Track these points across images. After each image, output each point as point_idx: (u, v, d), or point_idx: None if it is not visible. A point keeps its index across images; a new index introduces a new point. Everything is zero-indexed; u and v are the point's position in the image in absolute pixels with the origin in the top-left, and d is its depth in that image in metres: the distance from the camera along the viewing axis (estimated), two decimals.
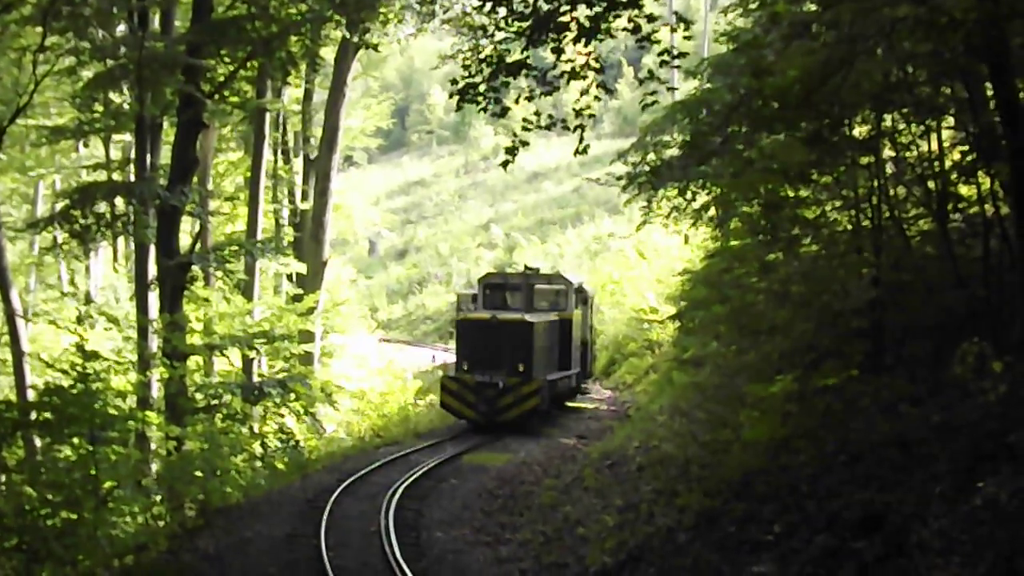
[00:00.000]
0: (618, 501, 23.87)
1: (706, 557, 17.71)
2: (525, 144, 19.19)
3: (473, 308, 44.45)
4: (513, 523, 25.29)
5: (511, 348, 38.64)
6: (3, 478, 28.32)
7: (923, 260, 20.00)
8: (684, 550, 18.61)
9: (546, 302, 43.58)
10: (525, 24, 18.12)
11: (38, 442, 31.21)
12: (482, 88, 18.74)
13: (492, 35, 19.29)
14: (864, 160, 19.73)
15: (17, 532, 25.27)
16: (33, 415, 27.49)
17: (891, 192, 20.19)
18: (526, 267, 45.73)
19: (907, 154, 20.40)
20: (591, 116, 19.85)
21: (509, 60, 18.48)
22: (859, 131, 20.61)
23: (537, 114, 18.85)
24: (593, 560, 20.64)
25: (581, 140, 19.27)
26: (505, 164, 19.49)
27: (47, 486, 26.34)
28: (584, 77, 18.88)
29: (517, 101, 18.68)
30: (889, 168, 20.49)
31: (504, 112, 19.10)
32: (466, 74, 18.92)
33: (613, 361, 53.44)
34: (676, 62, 18.79)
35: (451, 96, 19.20)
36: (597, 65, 18.89)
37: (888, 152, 20.47)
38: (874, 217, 19.76)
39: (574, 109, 19.30)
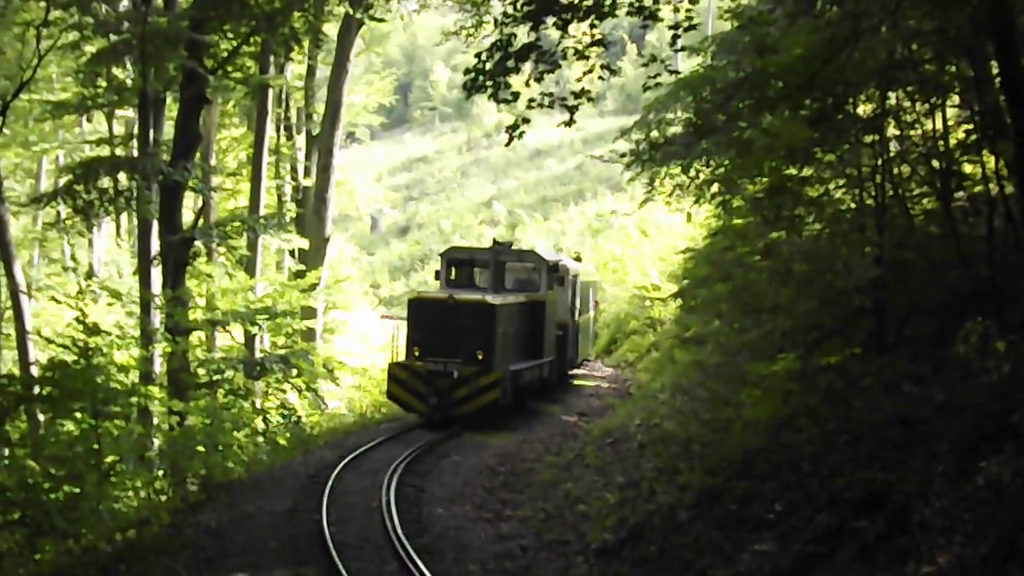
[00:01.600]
0: (619, 479, 23.88)
1: (707, 535, 17.75)
2: (527, 122, 19.19)
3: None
4: (514, 500, 25.31)
5: (470, 333, 34.59)
6: (6, 452, 28.39)
7: (927, 239, 19.97)
8: (685, 528, 18.64)
9: (517, 281, 39.76)
10: (531, 6, 18.12)
11: (41, 417, 31.32)
12: (491, 75, 18.74)
13: (498, 19, 19.28)
14: (868, 139, 19.70)
15: (20, 506, 25.34)
16: (36, 389, 27.54)
17: (895, 171, 20.16)
18: (495, 241, 41.18)
19: (911, 133, 20.36)
20: (590, 99, 19.87)
21: (517, 45, 18.47)
22: (863, 109, 20.57)
23: (547, 95, 18.87)
24: (594, 537, 20.68)
25: (571, 116, 19.31)
26: (509, 141, 19.52)
27: (50, 460, 26.42)
28: (588, 57, 18.88)
29: (528, 83, 18.68)
30: (893, 147, 20.46)
31: (515, 98, 19.10)
32: (475, 61, 18.92)
33: (615, 339, 53.44)
34: (680, 43, 18.80)
35: (464, 87, 19.23)
36: (601, 39, 18.90)
37: (892, 131, 20.43)
38: (878, 196, 19.74)
39: (572, 92, 19.32)
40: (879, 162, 19.75)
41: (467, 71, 19.00)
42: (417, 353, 34.98)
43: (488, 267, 39.03)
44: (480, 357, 34.40)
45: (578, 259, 48.68)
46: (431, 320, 34.99)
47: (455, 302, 34.76)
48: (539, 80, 18.70)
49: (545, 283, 39.21)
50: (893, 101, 20.19)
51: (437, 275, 40.41)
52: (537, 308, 38.67)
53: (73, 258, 63.54)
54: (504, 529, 22.98)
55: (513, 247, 41.34)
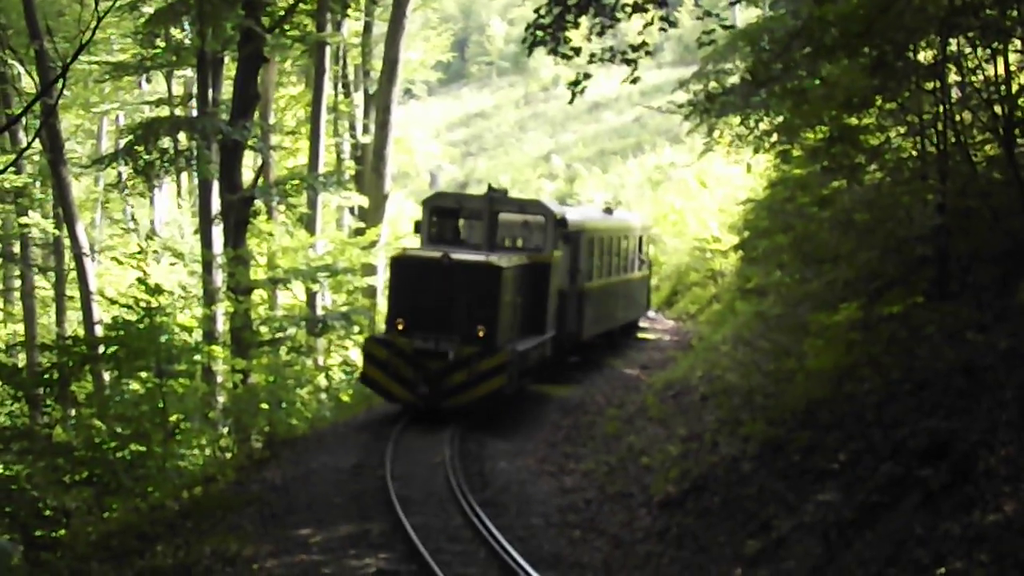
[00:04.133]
0: (682, 431, 23.89)
1: (770, 486, 17.73)
2: (588, 77, 19.18)
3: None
4: (577, 453, 25.36)
5: (469, 303, 28.17)
6: (73, 412, 28.72)
7: (989, 186, 19.77)
8: (748, 479, 18.64)
9: (515, 238, 32.57)
10: None
11: (106, 377, 31.64)
12: (550, 29, 18.74)
13: None
14: (929, 85, 19.51)
15: (88, 465, 25.69)
16: (101, 349, 27.83)
17: (956, 117, 19.95)
18: (491, 188, 32.63)
19: (973, 79, 20.13)
20: (649, 53, 19.83)
21: None
22: (923, 56, 20.38)
23: (607, 49, 18.84)
24: (657, 489, 20.70)
25: (633, 71, 19.27)
26: (572, 98, 19.54)
27: (116, 419, 26.76)
28: (646, 9, 18.83)
29: (589, 39, 18.66)
30: (955, 93, 20.26)
31: (576, 52, 19.09)
32: (534, 16, 18.92)
33: (676, 291, 53.36)
34: None
35: (523, 42, 19.24)
36: None
37: (954, 77, 20.23)
38: (939, 143, 19.57)
39: (631, 46, 19.27)
40: (940, 109, 19.57)
41: (527, 27, 19.00)
42: (401, 327, 28.41)
43: (480, 218, 31.85)
44: (481, 334, 28.04)
45: (608, 211, 42.14)
46: (419, 285, 28.54)
47: (451, 263, 28.14)
48: (600, 34, 18.67)
49: (551, 240, 31.62)
50: (954, 47, 19.97)
51: (417, 227, 32.86)
52: (541, 272, 31.24)
53: (133, 218, 63.96)
54: (567, 482, 23.04)
55: (510, 195, 34.00)
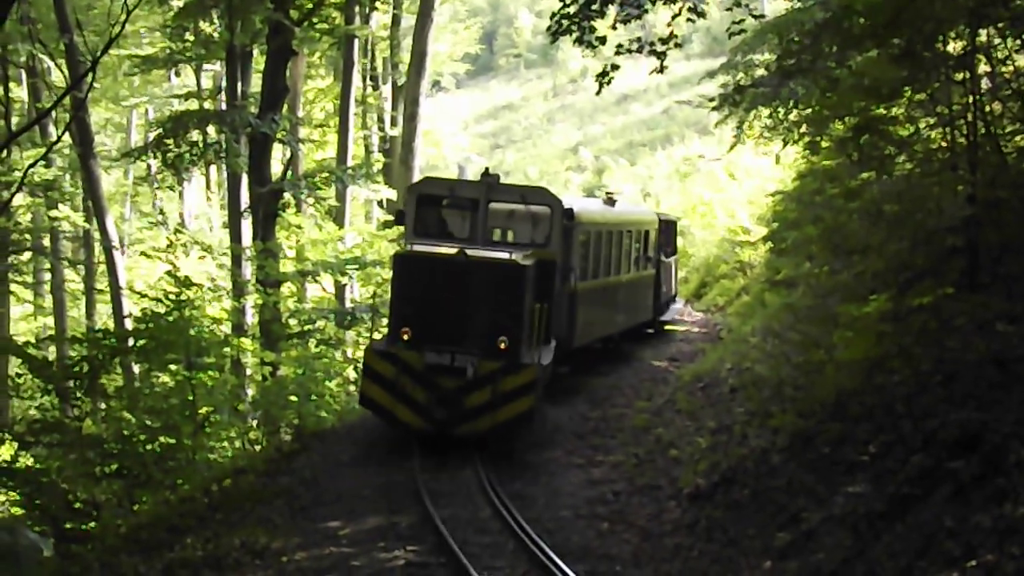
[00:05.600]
0: (711, 423, 23.85)
1: (800, 478, 17.69)
2: (616, 68, 19.15)
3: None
4: (606, 445, 25.32)
5: (489, 309, 24.37)
6: (103, 405, 28.85)
7: (1020, 176, 19.68)
8: (778, 471, 18.60)
9: (514, 232, 28.42)
10: None
11: (136, 369, 31.79)
12: (576, 18, 18.74)
13: None
14: (958, 76, 19.42)
15: (118, 458, 25.81)
16: (131, 342, 27.94)
17: (987, 108, 19.86)
18: (487, 172, 28.19)
19: (1003, 69, 20.06)
20: (677, 45, 19.80)
21: None
22: (953, 47, 20.29)
23: (634, 40, 18.81)
24: (686, 482, 20.68)
25: (661, 64, 19.24)
26: (599, 90, 19.51)
27: (146, 412, 26.87)
28: (674, 0, 18.81)
29: (614, 27, 18.64)
30: (985, 84, 20.17)
31: (602, 42, 19.06)
32: (560, 6, 18.91)
33: (704, 283, 53.23)
34: None
35: (548, 31, 19.23)
36: None
37: (983, 68, 20.14)
38: (969, 134, 19.47)
39: (660, 39, 19.24)
40: (970, 100, 19.47)
41: (553, 15, 19.00)
42: (407, 337, 24.29)
43: (474, 209, 27.22)
44: (503, 346, 24.15)
45: (611, 201, 35.56)
46: (430, 288, 24.56)
47: (467, 262, 24.30)
48: (625, 23, 18.64)
49: (558, 234, 27.20)
50: (984, 37, 19.88)
51: (398, 218, 28.34)
52: (548, 271, 26.68)
53: (161, 212, 64.21)
54: (596, 474, 23.03)
55: (506, 183, 29.29)
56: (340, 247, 42.06)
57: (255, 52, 37.89)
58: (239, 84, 35.97)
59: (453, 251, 24.52)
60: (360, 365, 27.50)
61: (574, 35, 19.51)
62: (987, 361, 15.80)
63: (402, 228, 28.49)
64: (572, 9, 18.82)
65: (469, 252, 24.46)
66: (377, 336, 27.99)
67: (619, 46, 19.16)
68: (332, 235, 42.40)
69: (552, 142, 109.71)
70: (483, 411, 23.90)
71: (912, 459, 15.18)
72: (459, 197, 27.79)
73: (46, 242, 52.74)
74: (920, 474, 14.79)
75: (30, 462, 27.05)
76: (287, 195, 36.40)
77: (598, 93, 20.78)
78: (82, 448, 25.76)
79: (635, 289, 36.72)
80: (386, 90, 55.82)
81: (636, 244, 36.07)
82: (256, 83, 38.17)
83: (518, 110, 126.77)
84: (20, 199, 47.81)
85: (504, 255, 24.91)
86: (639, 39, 19.60)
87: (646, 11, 18.97)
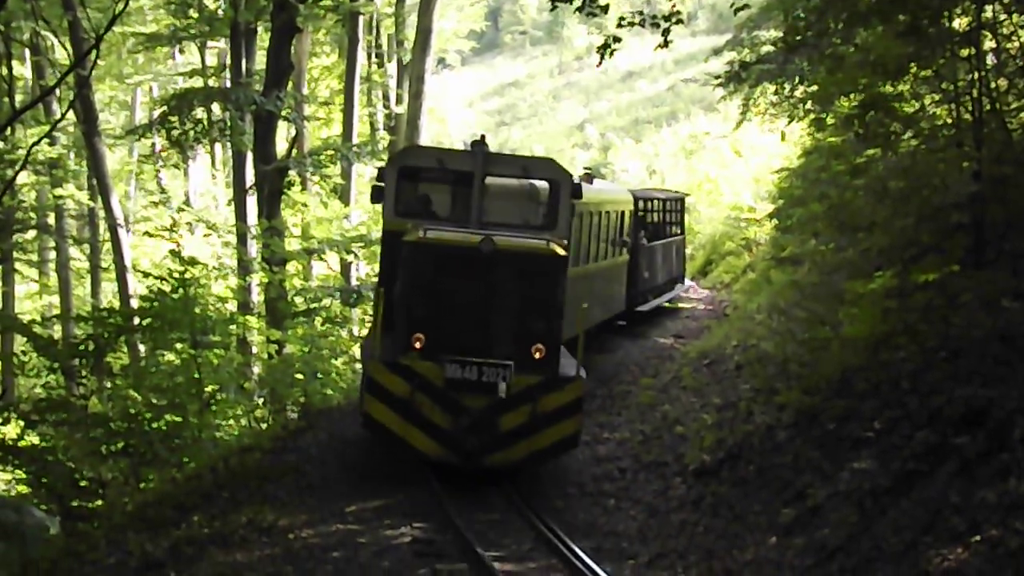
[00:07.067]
0: (716, 400, 23.85)
1: (806, 454, 17.71)
2: (618, 40, 19.06)
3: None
4: (611, 422, 25.33)
5: (521, 310, 19.98)
6: (109, 384, 28.89)
7: None
8: (783, 448, 18.62)
9: (511, 211, 22.84)
10: None
11: (142, 348, 31.82)
12: None
13: None
14: (964, 52, 19.38)
15: (124, 436, 25.83)
16: (136, 321, 27.96)
17: (992, 84, 19.82)
18: (482, 140, 22.76)
19: (1009, 45, 20.02)
20: (679, 21, 19.75)
21: None
22: (958, 23, 20.24)
23: (637, 13, 18.77)
24: (692, 458, 20.69)
25: (665, 39, 19.19)
26: (600, 62, 19.43)
27: (152, 390, 26.87)
28: None
29: None
30: (990, 60, 20.13)
31: (604, 10, 19.00)
32: None
33: (710, 261, 53.21)
34: None
35: None
36: None
37: (989, 44, 20.10)
38: (974, 110, 19.42)
39: (664, 16, 19.20)
40: (975, 76, 19.43)
41: None
42: (420, 345, 19.75)
43: (468, 184, 22.14)
44: (539, 355, 19.84)
45: (588, 179, 29.11)
46: (449, 284, 19.95)
47: (496, 251, 19.74)
48: None
49: (566, 215, 22.50)
50: (989, 14, 19.84)
51: (377, 195, 23.31)
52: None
53: (163, 190, 64.25)
54: (602, 451, 23.04)
55: (501, 153, 26.12)
56: (345, 225, 42.05)
57: (259, 29, 37.85)
58: (243, 62, 35.97)
59: (477, 238, 19.88)
60: (360, 371, 24.45)
61: (575, 3, 19.49)
62: (992, 337, 15.80)
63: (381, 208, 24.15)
64: None
65: (497, 239, 19.82)
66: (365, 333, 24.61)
67: (621, 19, 19.14)
68: (337, 213, 42.42)
69: (558, 119, 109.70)
70: (519, 436, 19.66)
71: (917, 435, 15.19)
72: (450, 170, 22.76)
73: (51, 220, 52.75)
74: (925, 450, 14.81)
75: (36, 441, 27.07)
76: (292, 173, 36.36)
77: (599, 65, 20.56)
78: (88, 427, 25.79)
79: (606, 278, 31.37)
80: (391, 67, 55.74)
81: (610, 227, 30.87)
82: (261, 61, 38.07)
83: (523, 87, 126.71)
84: (24, 177, 47.80)
85: (540, 241, 20.56)
86: (641, 12, 19.57)
87: None
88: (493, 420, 19.46)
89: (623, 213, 32.74)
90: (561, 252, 20.37)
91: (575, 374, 20.17)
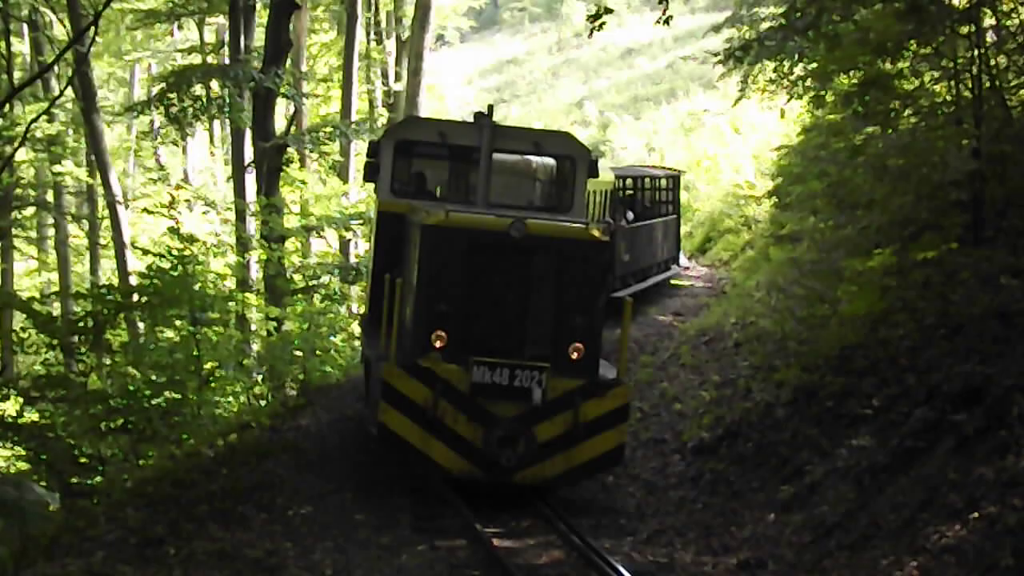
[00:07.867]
0: (715, 377, 23.85)
1: (804, 431, 17.73)
2: (609, 12, 19.00)
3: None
4: None
5: (558, 304, 17.68)
6: (108, 360, 28.89)
7: None
8: (782, 425, 18.64)
9: (521, 190, 21.73)
10: None
11: (141, 325, 31.83)
12: None
13: None
14: (963, 30, 19.36)
15: (123, 413, 25.83)
16: (135, 298, 27.96)
17: (992, 62, 19.81)
18: (490, 110, 20.88)
19: (1008, 22, 20.00)
20: None
21: None
22: (958, 0, 20.24)
23: None
24: (690, 435, 20.72)
25: (665, 12, 19.17)
26: (591, 32, 19.36)
27: (151, 367, 26.86)
28: None
29: None
30: (989, 37, 20.10)
31: None
32: None
33: (709, 238, 53.17)
34: None
35: None
36: None
37: (988, 21, 20.08)
38: (974, 88, 19.42)
39: None
40: (975, 53, 19.42)
41: None
42: (441, 344, 17.51)
43: (471, 160, 20.73)
44: (576, 355, 17.70)
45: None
46: (473, 274, 17.59)
47: (529, 235, 17.39)
48: None
49: (581, 195, 21.04)
50: None
51: (370, 172, 21.16)
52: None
53: (161, 167, 64.25)
54: None
55: (509, 126, 24.45)
56: (344, 202, 42.03)
57: (258, 5, 37.75)
58: (242, 38, 35.88)
59: (506, 221, 17.42)
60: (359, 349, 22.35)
61: None
62: (991, 315, 15.83)
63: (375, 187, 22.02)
64: None
65: (529, 223, 17.47)
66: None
67: None
68: (336, 190, 42.41)
69: (557, 96, 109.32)
70: (555, 449, 17.51)
71: (916, 412, 15.23)
72: (453, 145, 21.09)
73: (49, 197, 52.80)
74: (923, 427, 14.84)
75: (35, 417, 27.06)
76: (291, 150, 36.35)
77: (590, 35, 20.26)
78: (87, 403, 25.77)
79: None
80: (390, 44, 55.66)
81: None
82: (259, 37, 38.01)
83: (522, 64, 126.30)
84: (23, 154, 47.73)
85: (579, 225, 18.22)
86: None
87: None
88: (527, 431, 17.32)
89: (607, 193, 30.73)
90: (604, 237, 18.15)
91: (620, 378, 18.23)
